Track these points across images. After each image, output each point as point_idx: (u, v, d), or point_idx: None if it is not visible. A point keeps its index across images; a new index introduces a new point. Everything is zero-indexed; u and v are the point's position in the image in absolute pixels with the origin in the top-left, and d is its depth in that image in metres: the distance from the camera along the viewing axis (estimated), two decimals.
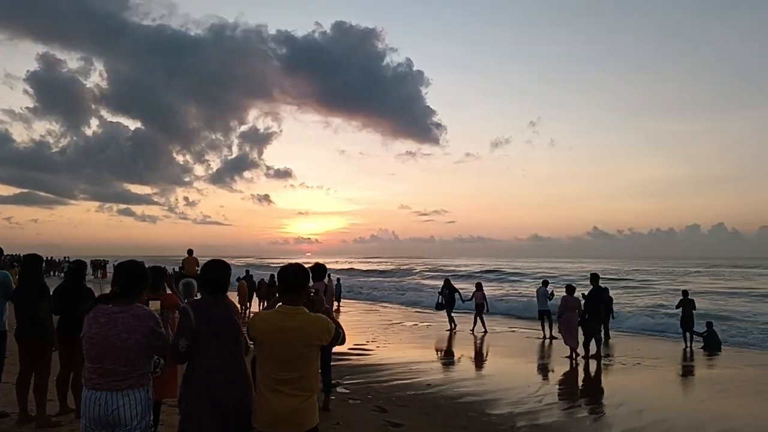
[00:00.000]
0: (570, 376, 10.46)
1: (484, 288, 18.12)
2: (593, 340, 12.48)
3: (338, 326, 3.32)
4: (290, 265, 3.35)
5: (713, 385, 10.20)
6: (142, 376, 3.18)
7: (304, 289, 3.28)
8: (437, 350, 13.20)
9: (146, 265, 3.89)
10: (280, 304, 3.25)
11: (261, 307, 20.34)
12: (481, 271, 56.53)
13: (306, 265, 3.55)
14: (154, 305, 3.94)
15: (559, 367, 11.30)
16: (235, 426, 3.19)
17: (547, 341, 14.87)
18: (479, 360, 11.94)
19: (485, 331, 16.67)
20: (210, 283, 3.42)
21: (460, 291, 18.55)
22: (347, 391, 8.35)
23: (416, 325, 18.97)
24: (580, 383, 9.88)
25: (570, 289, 12.86)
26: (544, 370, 11.10)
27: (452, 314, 17.76)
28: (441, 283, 19.22)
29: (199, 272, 14.55)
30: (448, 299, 17.96)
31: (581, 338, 12.23)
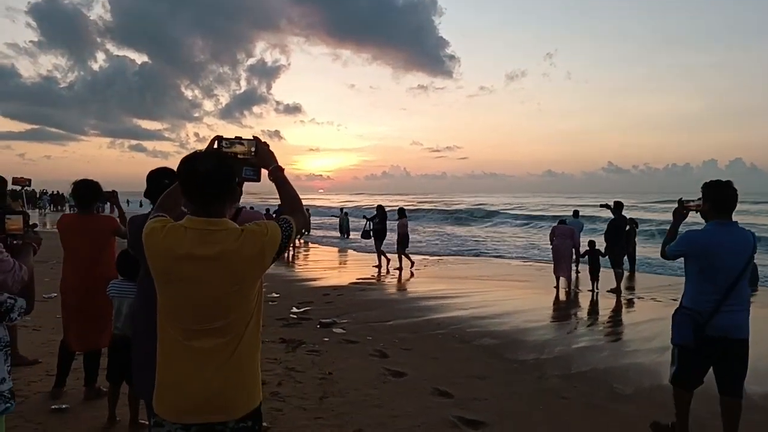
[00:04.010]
0: (599, 317, 9.24)
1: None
2: (613, 274, 11.30)
3: (286, 220, 2.05)
4: (205, 152, 2.02)
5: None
6: None
7: (231, 191, 1.97)
8: (450, 285, 12.01)
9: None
10: (189, 216, 1.93)
11: None
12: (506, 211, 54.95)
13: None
14: (12, 223, 2.65)
15: (586, 306, 10.11)
16: None
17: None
18: (497, 297, 10.72)
19: (400, 268, 14.22)
20: None
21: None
22: (343, 331, 7.18)
23: (426, 259, 17.82)
24: (612, 324, 8.65)
25: (560, 219, 12.64)
26: (570, 310, 9.87)
27: (382, 249, 15.01)
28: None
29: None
30: (378, 229, 15.17)
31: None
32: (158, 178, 2.91)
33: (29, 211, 32.98)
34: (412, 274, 13.68)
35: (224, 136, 2.22)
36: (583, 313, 9.45)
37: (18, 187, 6.27)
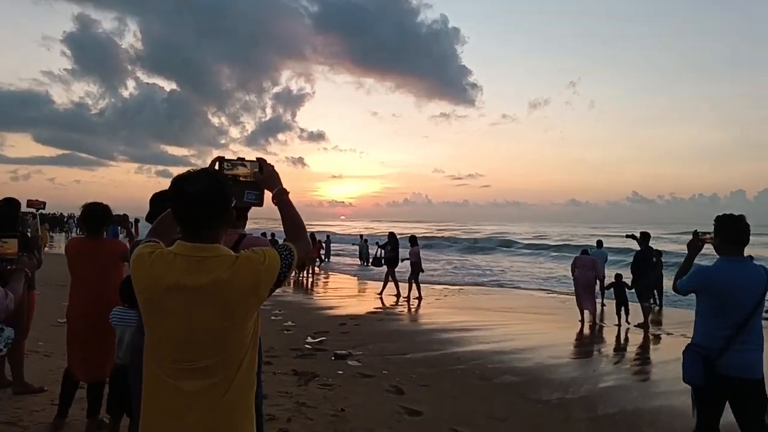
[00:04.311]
0: (627, 354, 8.84)
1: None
2: (640, 308, 10.88)
3: (287, 247, 1.90)
4: (197, 171, 1.86)
5: None
6: None
7: (224, 214, 1.79)
8: (468, 317, 11.64)
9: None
10: (180, 241, 1.76)
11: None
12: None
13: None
14: (8, 247, 2.52)
15: (613, 342, 9.70)
16: None
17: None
18: (520, 330, 10.33)
19: (420, 297, 13.92)
20: None
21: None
22: (359, 363, 6.93)
23: (447, 288, 17.48)
24: (640, 361, 8.24)
25: (583, 250, 12.51)
26: (596, 345, 9.46)
27: (395, 276, 14.67)
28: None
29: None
30: (390, 257, 14.89)
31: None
32: (161, 201, 2.78)
33: (55, 234, 33.54)
34: (418, 305, 13.33)
35: (226, 158, 2.08)
36: (609, 349, 9.05)
37: (33, 210, 6.22)
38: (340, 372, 6.45)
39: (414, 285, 14.19)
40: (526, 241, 47.75)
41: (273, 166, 2.12)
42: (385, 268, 15.23)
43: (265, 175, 2.08)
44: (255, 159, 2.11)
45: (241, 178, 2.07)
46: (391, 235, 15.52)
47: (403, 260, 14.75)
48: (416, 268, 14.28)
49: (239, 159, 2.09)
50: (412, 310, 12.50)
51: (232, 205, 1.85)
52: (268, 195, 2.13)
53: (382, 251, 15.40)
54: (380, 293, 14.38)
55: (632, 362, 8.05)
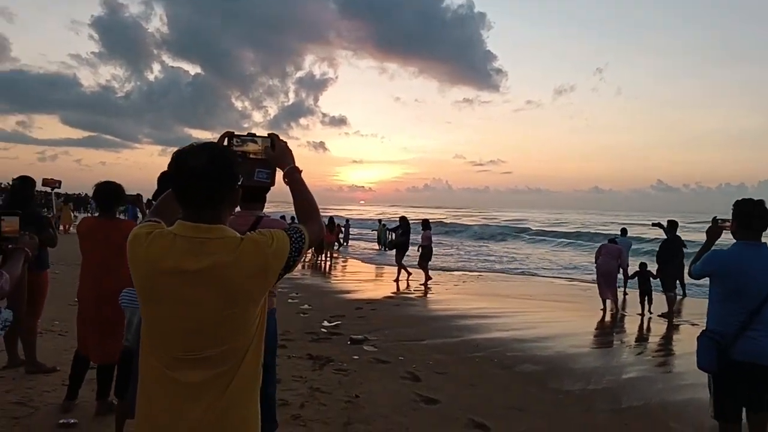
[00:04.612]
0: (650, 344, 8.59)
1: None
2: (665, 298, 10.60)
3: (298, 230, 1.73)
4: (200, 144, 1.70)
5: None
6: None
7: (229, 192, 1.64)
8: (490, 302, 11.45)
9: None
10: (180, 220, 1.61)
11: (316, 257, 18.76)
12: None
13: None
14: (7, 225, 2.41)
15: (636, 332, 9.46)
16: None
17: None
18: (540, 318, 10.11)
19: (426, 283, 13.56)
20: None
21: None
22: (375, 349, 6.80)
23: (465, 274, 17.30)
24: (665, 352, 8.00)
25: (610, 238, 12.13)
26: (619, 335, 9.22)
27: (401, 260, 14.38)
28: None
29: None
30: (401, 241, 14.57)
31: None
32: (169, 180, 2.64)
33: (80, 214, 34.01)
34: (427, 289, 13.15)
35: (236, 133, 1.92)
36: (632, 339, 8.82)
37: (48, 189, 6.19)
38: (356, 357, 6.34)
39: (423, 270, 13.98)
40: (546, 228, 47.12)
41: (286, 143, 1.96)
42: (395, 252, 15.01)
43: (276, 152, 1.92)
44: (267, 135, 1.95)
45: (251, 156, 1.92)
46: (403, 219, 15.29)
47: (416, 245, 14.57)
48: (428, 252, 14.10)
49: (249, 134, 1.93)
50: (427, 295, 12.33)
51: (239, 183, 1.70)
52: (280, 174, 1.97)
53: (393, 235, 15.20)
54: (396, 279, 14.23)
55: (656, 353, 7.80)
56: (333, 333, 7.60)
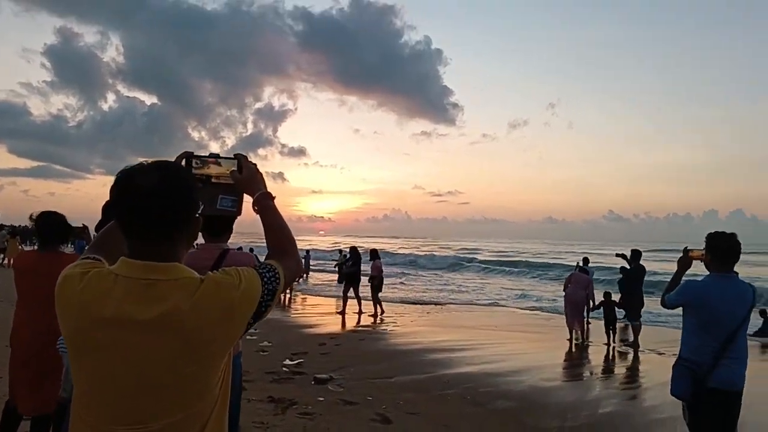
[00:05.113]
0: (622, 375, 8.47)
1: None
2: (630, 327, 10.62)
3: (270, 267, 1.43)
4: (151, 163, 1.37)
5: None
6: None
7: (186, 221, 1.33)
8: (459, 336, 11.15)
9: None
10: (123, 258, 1.28)
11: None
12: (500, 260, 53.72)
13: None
14: None
15: (605, 362, 9.34)
16: None
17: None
18: (508, 350, 9.87)
19: (377, 314, 13.27)
20: None
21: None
22: (341, 389, 6.40)
23: (435, 306, 17.02)
24: (637, 384, 7.87)
25: (580, 267, 11.98)
26: (589, 366, 9.07)
27: (359, 292, 13.94)
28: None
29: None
30: (351, 272, 14.07)
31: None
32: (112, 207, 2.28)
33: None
34: (381, 321, 12.81)
35: (195, 153, 1.61)
36: (602, 370, 8.67)
37: None
38: (321, 399, 5.92)
39: (374, 303, 13.63)
40: (503, 258, 47.45)
41: (255, 165, 1.65)
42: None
43: (244, 176, 1.60)
44: (233, 156, 1.64)
45: (214, 180, 1.61)
46: (353, 249, 14.90)
47: (366, 275, 14.20)
48: (377, 283, 13.78)
49: (212, 155, 1.62)
50: (391, 328, 11.98)
51: (200, 211, 1.39)
52: (248, 201, 1.66)
53: (345, 267, 14.84)
54: (342, 311, 13.67)
55: (628, 385, 7.67)
56: (295, 372, 7.14)
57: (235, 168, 1.61)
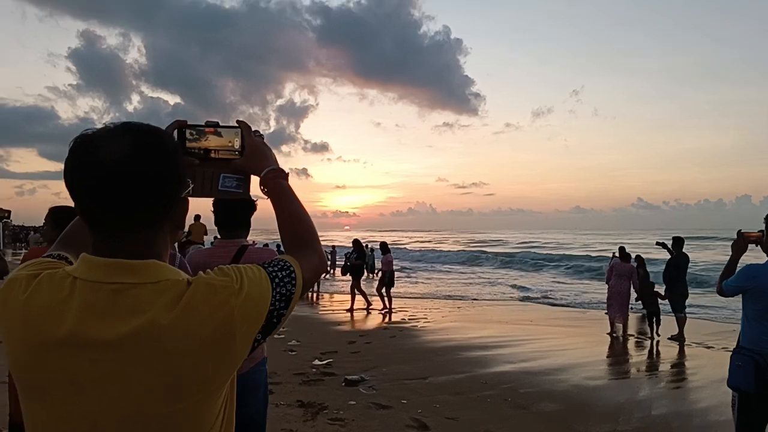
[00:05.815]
0: (671, 372, 7.95)
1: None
2: (675, 319, 10.01)
3: (284, 265, 1.05)
4: (117, 126, 0.99)
5: None
6: None
7: (165, 204, 0.94)
8: (496, 331, 10.72)
9: None
10: (85, 255, 0.90)
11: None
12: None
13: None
14: None
15: (650, 357, 8.83)
16: None
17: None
18: (546, 346, 9.42)
19: (389, 310, 12.82)
20: None
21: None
22: (373, 391, 6.06)
23: (464, 301, 16.59)
24: (689, 381, 7.36)
25: (622, 253, 10.93)
26: (634, 362, 8.57)
27: (360, 286, 13.66)
28: None
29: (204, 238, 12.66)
30: (355, 265, 13.73)
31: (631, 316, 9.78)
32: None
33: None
34: (385, 316, 12.41)
35: (190, 122, 1.24)
36: (650, 366, 8.17)
37: None
38: (352, 402, 5.59)
39: (385, 297, 13.22)
40: (533, 251, 46.55)
41: (263, 136, 1.28)
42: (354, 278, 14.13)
43: (248, 150, 1.23)
44: (236, 123, 1.27)
45: (212, 153, 1.24)
46: (356, 242, 14.58)
47: (376, 270, 13.86)
48: (390, 278, 13.39)
49: (209, 123, 1.25)
50: (424, 324, 11.59)
51: (199, 193, 1.04)
52: (255, 180, 1.29)
53: (348, 261, 14.47)
54: (351, 308, 13.26)
55: (679, 382, 7.17)
56: (325, 373, 6.83)
57: (238, 139, 1.24)
